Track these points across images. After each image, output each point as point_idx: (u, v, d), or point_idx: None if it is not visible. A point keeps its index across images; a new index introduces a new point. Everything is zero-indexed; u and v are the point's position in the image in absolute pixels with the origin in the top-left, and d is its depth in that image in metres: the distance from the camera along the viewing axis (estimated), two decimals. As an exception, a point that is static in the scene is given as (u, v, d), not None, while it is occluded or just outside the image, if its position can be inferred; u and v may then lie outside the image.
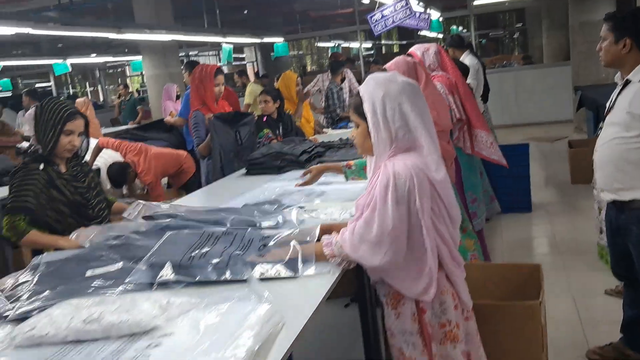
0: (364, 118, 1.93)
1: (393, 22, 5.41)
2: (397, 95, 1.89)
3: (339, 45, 15.00)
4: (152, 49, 10.67)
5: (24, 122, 8.73)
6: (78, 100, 9.03)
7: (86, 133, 2.74)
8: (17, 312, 1.73)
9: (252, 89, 7.99)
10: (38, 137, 2.66)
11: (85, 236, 2.35)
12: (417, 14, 6.60)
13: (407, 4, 5.57)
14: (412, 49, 3.83)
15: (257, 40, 10.48)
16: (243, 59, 18.32)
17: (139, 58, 11.93)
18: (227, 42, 9.24)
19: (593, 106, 6.65)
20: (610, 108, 2.82)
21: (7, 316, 1.73)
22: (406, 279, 1.90)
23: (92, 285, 1.90)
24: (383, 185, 1.84)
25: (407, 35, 21.95)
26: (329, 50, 14.73)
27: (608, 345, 3.10)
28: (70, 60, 10.65)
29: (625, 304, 3.09)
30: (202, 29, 10.01)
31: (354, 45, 16.77)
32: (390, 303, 1.96)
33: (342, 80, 7.08)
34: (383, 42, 22.79)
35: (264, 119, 4.84)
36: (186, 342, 1.43)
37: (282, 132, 4.88)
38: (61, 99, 3.07)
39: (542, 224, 5.41)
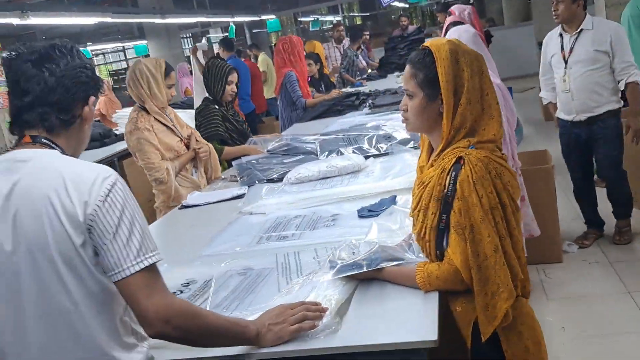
0: None
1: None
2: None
3: (317, 19, 16.17)
4: (156, 32, 11.58)
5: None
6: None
7: (238, 83, 3.75)
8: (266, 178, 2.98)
9: (264, 57, 9.28)
10: (209, 88, 3.68)
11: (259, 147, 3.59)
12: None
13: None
14: (452, 8, 4.28)
15: (256, 18, 11.63)
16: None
17: (141, 42, 12.88)
18: (233, 21, 10.36)
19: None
20: (569, 53, 3.70)
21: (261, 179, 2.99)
22: None
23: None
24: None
25: (369, 8, 23.33)
26: (310, 24, 15.85)
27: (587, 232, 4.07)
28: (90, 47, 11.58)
29: (585, 206, 4.03)
30: (211, 11, 11.04)
31: (328, 18, 18.02)
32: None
33: (359, 48, 7.91)
34: (347, 14, 24.12)
35: (309, 79, 6.00)
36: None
37: (324, 89, 6.05)
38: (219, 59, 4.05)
39: (522, 148, 6.78)
